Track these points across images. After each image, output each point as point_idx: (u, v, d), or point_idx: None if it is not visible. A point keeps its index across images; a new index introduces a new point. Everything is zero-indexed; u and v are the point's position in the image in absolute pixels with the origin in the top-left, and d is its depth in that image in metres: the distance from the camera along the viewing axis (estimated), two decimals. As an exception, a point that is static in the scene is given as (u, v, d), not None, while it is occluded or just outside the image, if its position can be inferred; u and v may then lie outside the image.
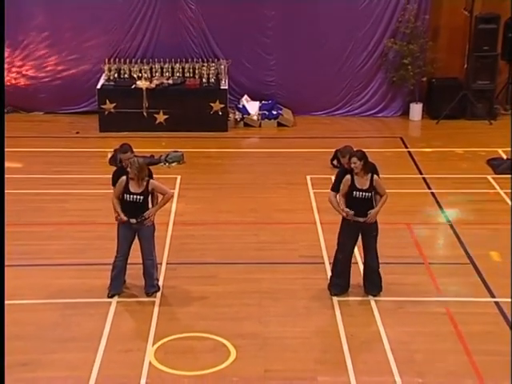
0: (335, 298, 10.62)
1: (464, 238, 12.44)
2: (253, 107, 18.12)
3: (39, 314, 10.29)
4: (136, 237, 10.51)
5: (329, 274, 11.00)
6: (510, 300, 10.59)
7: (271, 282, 11.09)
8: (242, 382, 8.95)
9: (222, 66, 17.94)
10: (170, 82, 17.68)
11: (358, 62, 18.49)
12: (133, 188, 10.26)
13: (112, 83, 17.74)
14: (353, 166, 10.23)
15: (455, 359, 9.38)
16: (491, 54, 18.16)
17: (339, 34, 18.13)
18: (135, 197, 10.25)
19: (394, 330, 9.94)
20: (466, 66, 18.42)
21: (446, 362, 9.31)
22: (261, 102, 18.30)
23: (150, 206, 10.43)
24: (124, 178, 10.29)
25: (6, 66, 18.27)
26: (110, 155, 15.64)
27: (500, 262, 11.86)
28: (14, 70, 18.43)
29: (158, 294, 10.68)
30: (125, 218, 10.30)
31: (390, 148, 16.48)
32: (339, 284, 10.71)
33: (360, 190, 10.25)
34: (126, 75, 17.89)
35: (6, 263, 11.35)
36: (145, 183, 10.29)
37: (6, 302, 10.34)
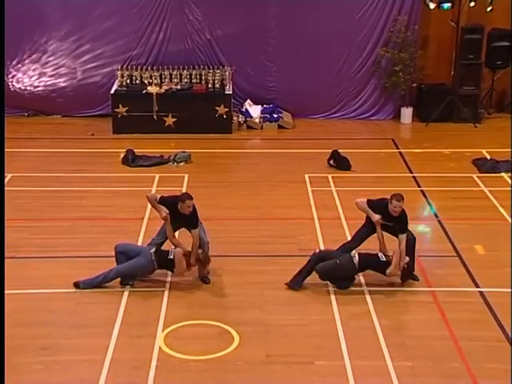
0: (331, 289, 10.64)
1: (451, 233, 12.46)
2: (255, 111, 18.12)
3: (58, 302, 10.31)
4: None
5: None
6: (495, 290, 10.64)
7: (272, 274, 11.09)
8: (245, 366, 8.98)
9: (227, 73, 17.93)
10: (179, 87, 17.68)
11: (353, 69, 18.47)
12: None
13: (124, 88, 17.74)
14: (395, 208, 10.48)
15: (442, 344, 9.41)
16: (476, 61, 18.14)
17: (336, 43, 18.11)
18: None
19: (386, 318, 9.96)
20: (452, 72, 18.43)
21: (434, 347, 9.34)
22: (262, 105, 18.28)
23: None
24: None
25: (29, 72, 18.34)
26: (122, 155, 15.67)
27: (484, 255, 11.88)
28: (34, 76, 18.44)
29: (167, 284, 10.70)
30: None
31: (382, 149, 16.47)
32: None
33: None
34: (137, 81, 17.89)
35: (27, 255, 11.53)
36: None
37: (28, 291, 10.51)
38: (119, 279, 10.61)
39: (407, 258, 10.52)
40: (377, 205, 10.71)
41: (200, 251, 10.60)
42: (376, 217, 10.61)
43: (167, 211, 10.54)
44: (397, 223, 10.58)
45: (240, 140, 17.40)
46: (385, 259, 10.54)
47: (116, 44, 18.13)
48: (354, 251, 10.62)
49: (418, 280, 10.87)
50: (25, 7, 17.62)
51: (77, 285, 10.54)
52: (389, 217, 10.58)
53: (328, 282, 10.69)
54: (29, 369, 8.87)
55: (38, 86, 18.50)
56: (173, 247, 10.62)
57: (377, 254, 10.62)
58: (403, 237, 10.56)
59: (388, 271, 10.48)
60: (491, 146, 16.39)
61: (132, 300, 10.35)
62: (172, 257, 10.47)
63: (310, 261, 10.71)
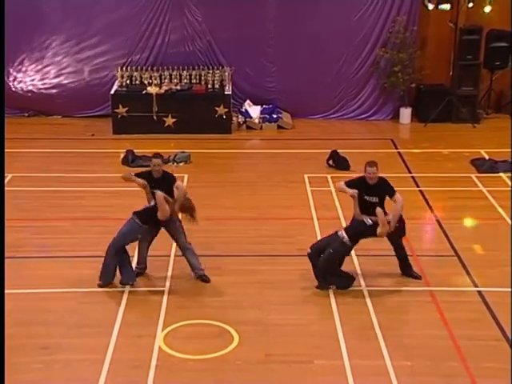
0: (331, 288, 10.59)
1: (449, 232, 12.45)
2: (254, 111, 18.12)
3: (58, 302, 10.31)
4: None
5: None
6: (493, 289, 10.64)
7: (271, 273, 11.10)
8: (244, 365, 8.97)
9: (226, 73, 17.93)
10: (178, 87, 17.68)
11: (352, 70, 18.48)
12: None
13: (124, 89, 17.76)
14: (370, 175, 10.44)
15: (441, 344, 9.40)
16: (474, 62, 18.14)
17: (335, 44, 18.11)
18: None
19: (385, 317, 9.95)
20: (451, 73, 18.43)
21: (433, 347, 9.33)
22: (262, 106, 18.29)
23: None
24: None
25: (31, 73, 18.34)
26: (122, 155, 15.66)
27: (482, 255, 11.88)
28: (35, 77, 18.43)
29: (167, 284, 10.70)
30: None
31: (381, 149, 16.46)
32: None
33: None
34: (137, 82, 17.90)
35: (28, 255, 11.52)
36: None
37: (28, 290, 10.52)
38: (119, 279, 10.60)
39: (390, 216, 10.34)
40: (355, 182, 10.63)
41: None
42: (351, 191, 10.50)
43: (145, 181, 10.67)
44: (380, 193, 10.46)
45: (239, 140, 17.40)
46: (371, 222, 10.32)
47: (117, 45, 18.13)
48: (339, 232, 10.45)
49: (420, 278, 10.85)
50: (25, 7, 17.64)
51: (100, 285, 10.59)
52: (369, 189, 10.45)
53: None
54: (29, 368, 8.87)
55: (38, 87, 18.48)
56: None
57: (362, 221, 10.41)
58: (397, 197, 10.50)
59: (378, 231, 10.25)
60: (490, 146, 16.39)
61: (132, 300, 10.35)
62: (153, 203, 10.41)
63: (311, 261, 10.63)
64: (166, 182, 10.64)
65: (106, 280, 10.60)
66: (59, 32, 18.10)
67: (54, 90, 18.51)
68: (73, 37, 18.15)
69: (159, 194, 10.36)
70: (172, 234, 10.81)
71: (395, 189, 10.58)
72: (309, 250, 10.63)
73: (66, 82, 18.46)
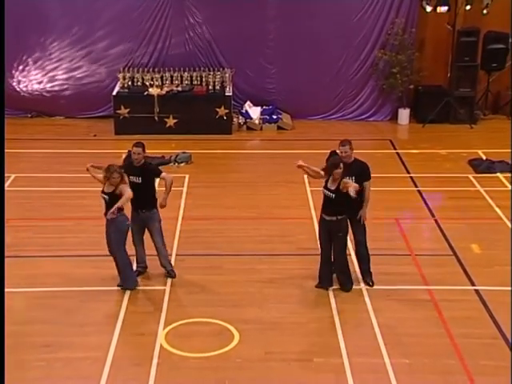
0: (330, 287, 10.61)
1: (447, 232, 12.45)
2: (255, 112, 18.12)
3: (60, 300, 10.30)
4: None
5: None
6: (490, 288, 10.63)
7: (271, 272, 11.09)
8: (244, 363, 8.97)
9: (227, 75, 17.93)
10: (179, 89, 17.68)
11: (351, 71, 18.48)
12: (105, 188, 10.26)
13: (126, 90, 17.75)
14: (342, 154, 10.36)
15: (439, 342, 9.40)
16: (472, 64, 18.15)
17: (334, 46, 18.12)
18: (104, 196, 10.23)
19: (383, 316, 9.95)
20: (449, 74, 18.44)
21: (431, 345, 9.33)
22: (262, 107, 18.30)
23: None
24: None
25: (33, 75, 18.34)
26: (124, 156, 15.62)
27: (480, 254, 11.88)
28: (38, 78, 18.43)
29: (168, 283, 10.70)
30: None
31: (380, 149, 16.46)
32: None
33: (328, 190, 10.25)
34: (139, 83, 17.90)
35: (31, 254, 11.52)
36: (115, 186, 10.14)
37: (31, 289, 10.51)
38: (118, 283, 10.59)
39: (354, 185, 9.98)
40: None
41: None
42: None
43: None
44: (355, 173, 10.26)
45: (240, 141, 17.40)
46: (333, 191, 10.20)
47: (118, 47, 18.13)
48: (327, 218, 10.24)
49: (371, 286, 10.72)
50: (26, 8, 17.62)
51: (120, 285, 10.56)
52: (345, 170, 10.18)
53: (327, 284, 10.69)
54: (30, 366, 8.87)
55: (41, 89, 18.48)
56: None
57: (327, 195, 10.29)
58: (366, 183, 10.42)
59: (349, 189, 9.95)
60: (487, 147, 16.40)
61: (133, 298, 10.34)
62: (117, 192, 10.15)
63: (323, 257, 10.55)
64: (145, 173, 10.51)
65: (128, 283, 10.52)
66: (61, 32, 18.08)
67: (57, 92, 18.50)
68: (75, 37, 18.14)
69: (129, 193, 10.07)
70: (151, 233, 10.75)
71: (366, 174, 10.51)
72: (320, 249, 10.58)
73: (68, 84, 18.46)
